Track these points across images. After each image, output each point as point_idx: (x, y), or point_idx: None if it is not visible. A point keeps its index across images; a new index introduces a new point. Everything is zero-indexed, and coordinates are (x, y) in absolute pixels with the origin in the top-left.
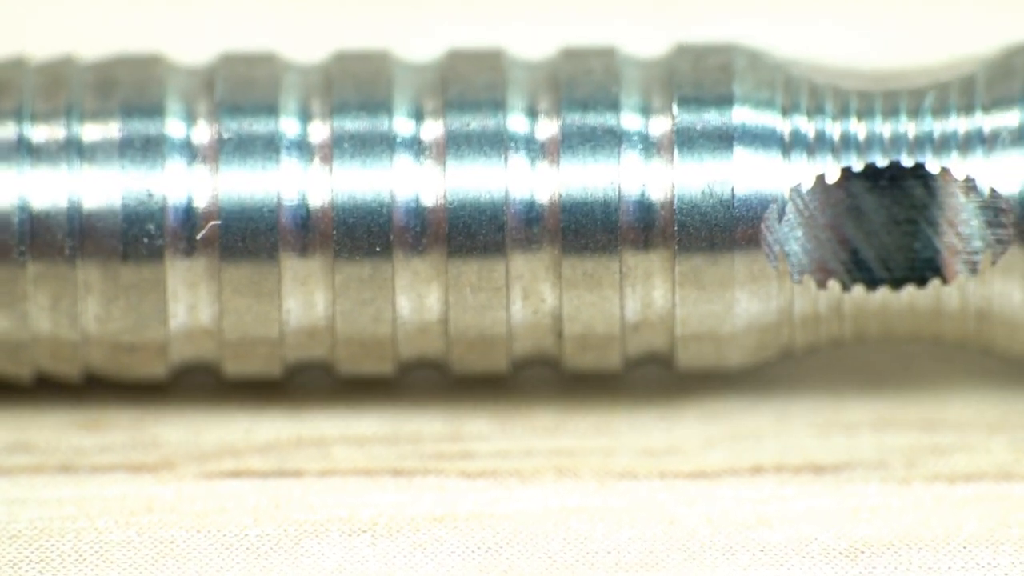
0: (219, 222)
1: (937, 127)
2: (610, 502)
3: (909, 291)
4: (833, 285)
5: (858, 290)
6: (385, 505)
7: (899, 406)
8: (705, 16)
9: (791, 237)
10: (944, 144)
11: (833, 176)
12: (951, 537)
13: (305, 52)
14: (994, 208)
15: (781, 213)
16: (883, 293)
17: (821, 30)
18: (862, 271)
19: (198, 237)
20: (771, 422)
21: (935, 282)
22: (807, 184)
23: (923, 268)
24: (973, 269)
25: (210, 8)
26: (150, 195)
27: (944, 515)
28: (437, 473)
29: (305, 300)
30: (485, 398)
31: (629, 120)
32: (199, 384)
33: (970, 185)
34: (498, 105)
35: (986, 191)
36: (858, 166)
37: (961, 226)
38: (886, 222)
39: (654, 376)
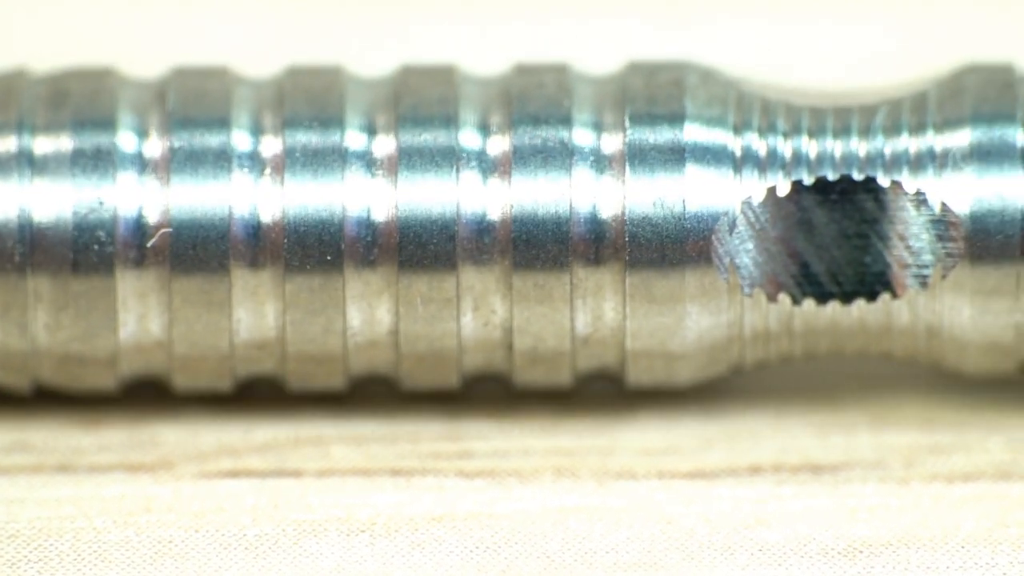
0: (170, 229)
1: (888, 146)
2: (608, 502)
3: (859, 306)
4: (783, 299)
5: (808, 304)
6: (383, 505)
7: (897, 406)
8: (705, 16)
9: (742, 250)
10: (895, 163)
11: (784, 189)
12: (949, 537)
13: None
14: (944, 222)
15: (732, 226)
16: (833, 308)
17: (821, 30)
18: (812, 285)
19: (148, 244)
20: (769, 422)
21: (885, 296)
22: (758, 197)
23: (873, 282)
24: (923, 284)
25: (193, 16)
26: (100, 203)
27: (942, 515)
28: (435, 473)
29: (255, 311)
30: (483, 397)
31: (581, 135)
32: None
33: (920, 199)
34: (450, 120)
35: (937, 205)
36: (809, 181)
37: (911, 240)
38: (836, 236)
39: None
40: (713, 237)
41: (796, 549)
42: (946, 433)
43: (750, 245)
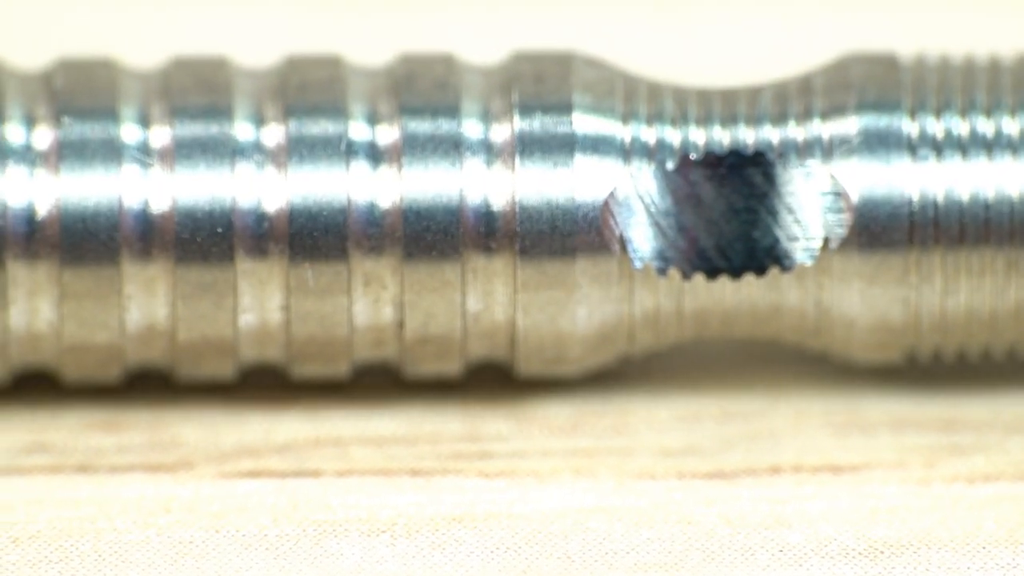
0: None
1: (776, 134)
2: (628, 502)
3: (749, 284)
4: (673, 274)
5: (699, 283)
6: (404, 505)
7: (917, 406)
8: (712, 14)
9: (632, 226)
10: (783, 150)
11: (673, 165)
12: (970, 538)
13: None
14: (833, 195)
15: (622, 204)
16: (723, 285)
17: (825, 29)
18: (702, 260)
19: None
20: (789, 422)
21: (774, 271)
22: (647, 174)
23: (763, 257)
24: (812, 257)
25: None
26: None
27: (963, 516)
28: (455, 473)
29: (146, 300)
30: (503, 398)
31: (470, 127)
32: (217, 384)
33: (809, 172)
34: (339, 109)
35: (826, 178)
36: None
37: (800, 214)
38: (726, 211)
39: (673, 375)
40: (604, 215)
41: (817, 550)
42: (967, 434)
43: (640, 221)
